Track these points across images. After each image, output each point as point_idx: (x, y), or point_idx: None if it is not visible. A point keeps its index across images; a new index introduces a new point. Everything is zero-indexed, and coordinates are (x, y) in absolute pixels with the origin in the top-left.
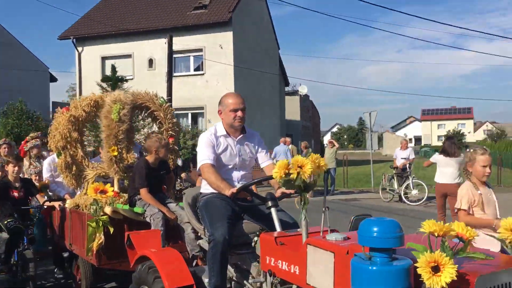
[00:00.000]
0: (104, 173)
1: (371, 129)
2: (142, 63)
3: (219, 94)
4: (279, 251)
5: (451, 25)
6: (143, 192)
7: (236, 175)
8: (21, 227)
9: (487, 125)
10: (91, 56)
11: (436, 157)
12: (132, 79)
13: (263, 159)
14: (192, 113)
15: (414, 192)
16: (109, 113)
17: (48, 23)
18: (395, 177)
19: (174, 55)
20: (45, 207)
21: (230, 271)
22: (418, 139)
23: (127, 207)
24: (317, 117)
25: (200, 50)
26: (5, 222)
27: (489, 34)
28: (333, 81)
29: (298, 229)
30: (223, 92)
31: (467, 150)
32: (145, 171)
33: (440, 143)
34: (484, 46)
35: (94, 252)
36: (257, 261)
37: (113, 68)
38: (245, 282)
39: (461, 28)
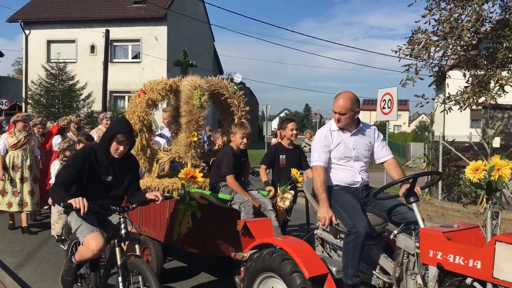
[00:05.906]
0: (178, 158)
1: (266, 118)
2: (84, 48)
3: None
4: (449, 245)
5: None
6: (230, 179)
7: (357, 166)
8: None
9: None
10: (38, 39)
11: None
12: (75, 62)
13: (381, 153)
14: (128, 96)
15: None
16: (190, 99)
17: None
18: None
19: (115, 43)
20: None
21: None
22: None
23: (208, 192)
24: (255, 103)
25: (138, 40)
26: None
27: None
28: (289, 66)
29: (437, 225)
30: (158, 78)
31: None
32: (232, 158)
33: None
34: None
35: (181, 236)
36: (385, 253)
37: (184, 52)
38: (373, 272)
39: None
